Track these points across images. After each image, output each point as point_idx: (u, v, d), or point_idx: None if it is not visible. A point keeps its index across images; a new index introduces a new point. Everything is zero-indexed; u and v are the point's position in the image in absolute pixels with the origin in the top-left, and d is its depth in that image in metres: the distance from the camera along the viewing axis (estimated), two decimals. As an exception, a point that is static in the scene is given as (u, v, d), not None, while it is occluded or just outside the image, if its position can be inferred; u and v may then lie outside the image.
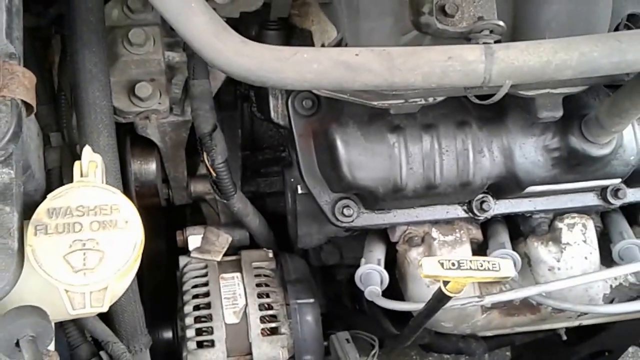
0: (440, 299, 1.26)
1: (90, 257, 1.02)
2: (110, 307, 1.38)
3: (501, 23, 1.17)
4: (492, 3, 1.20)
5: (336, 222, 1.53)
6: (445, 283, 1.17)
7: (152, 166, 1.74)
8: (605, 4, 1.28)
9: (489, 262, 1.13)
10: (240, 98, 1.90)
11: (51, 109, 1.54)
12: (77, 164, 1.10)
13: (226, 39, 1.04)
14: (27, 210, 1.05)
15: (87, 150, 1.12)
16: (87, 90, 1.35)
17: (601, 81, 1.35)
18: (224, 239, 1.76)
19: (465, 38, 1.18)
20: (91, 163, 1.11)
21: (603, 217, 1.67)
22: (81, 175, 1.09)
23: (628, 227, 1.64)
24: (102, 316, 1.42)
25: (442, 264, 1.12)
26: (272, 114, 1.63)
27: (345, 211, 1.52)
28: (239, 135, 1.90)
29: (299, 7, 1.57)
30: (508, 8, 1.25)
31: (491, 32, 1.16)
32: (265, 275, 1.71)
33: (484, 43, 1.12)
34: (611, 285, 1.67)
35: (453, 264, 1.12)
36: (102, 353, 1.44)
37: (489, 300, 1.49)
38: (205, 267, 1.71)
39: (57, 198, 1.05)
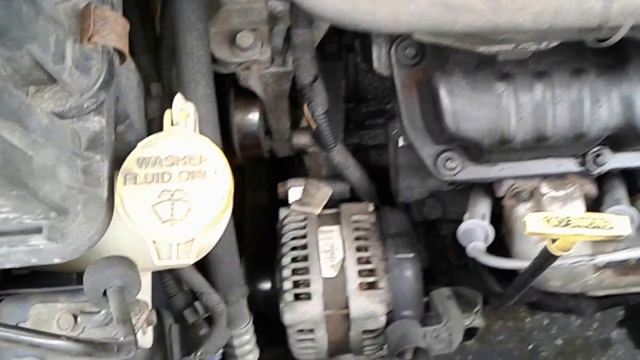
0: (547, 258, 1.17)
1: (178, 208, 0.98)
2: (207, 257, 1.39)
3: None
4: None
5: (439, 176, 1.45)
6: (553, 241, 1.09)
7: (255, 117, 1.70)
8: None
9: (601, 219, 1.05)
10: (344, 48, 1.82)
11: (152, 59, 1.49)
12: (167, 112, 1.07)
13: None
14: (126, 159, 1.03)
15: (178, 99, 1.08)
16: (184, 38, 1.31)
17: None
18: (324, 191, 1.70)
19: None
20: (182, 112, 1.07)
21: None
22: (172, 124, 1.06)
23: None
24: (199, 266, 1.40)
25: (548, 221, 1.04)
26: (375, 63, 1.53)
27: (449, 164, 1.44)
28: (343, 86, 1.83)
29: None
30: None
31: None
32: (364, 229, 1.63)
33: (604, -23, 0.98)
34: None
35: (560, 221, 1.04)
36: (196, 303, 1.42)
37: (601, 259, 1.39)
38: (305, 219, 1.66)
39: (147, 147, 1.02)
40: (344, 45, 1.81)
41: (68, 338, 0.78)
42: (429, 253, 1.92)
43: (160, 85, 1.44)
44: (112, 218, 0.99)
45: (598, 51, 1.31)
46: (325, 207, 1.69)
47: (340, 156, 1.61)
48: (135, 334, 0.91)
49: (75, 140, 0.96)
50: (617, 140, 1.39)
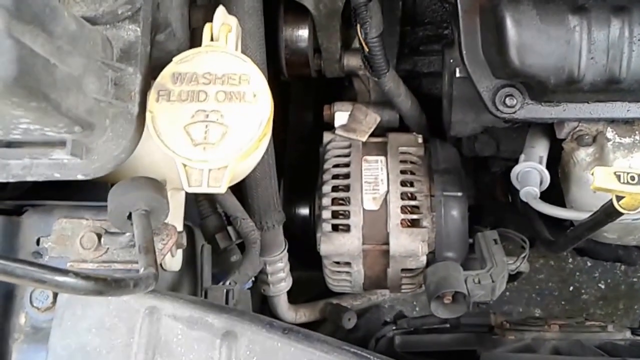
0: (609, 214, 1.10)
1: (213, 130, 0.91)
2: (244, 180, 1.34)
3: None
4: None
5: (496, 112, 1.37)
6: (619, 197, 1.02)
7: (305, 34, 1.64)
8: None
9: None
10: None
11: (199, -37, 1.42)
12: (207, 26, 0.99)
13: None
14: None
15: (220, 12, 1.01)
16: None
17: None
18: (371, 118, 1.63)
19: None
20: (223, 26, 0.99)
21: None
22: (212, 40, 0.98)
23: None
24: (235, 189, 1.34)
25: (618, 177, 0.98)
26: None
27: (508, 100, 1.35)
28: (400, 7, 1.75)
29: None
30: None
31: None
32: (411, 162, 1.57)
33: None
34: None
35: (632, 178, 0.97)
36: (229, 228, 1.39)
37: None
38: (349, 146, 1.60)
39: (183, 62, 0.95)
40: (403, -38, 1.72)
41: (77, 274, 0.72)
42: (477, 190, 1.85)
43: (207, -9, 1.37)
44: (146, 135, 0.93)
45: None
46: (372, 134, 1.63)
47: (392, 83, 1.54)
48: (157, 266, 0.86)
49: (107, 49, 0.90)
50: (697, 87, 1.29)
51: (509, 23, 1.24)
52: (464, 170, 1.66)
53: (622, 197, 1.01)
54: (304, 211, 1.71)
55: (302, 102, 1.94)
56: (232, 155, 0.90)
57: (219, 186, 0.91)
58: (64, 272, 0.71)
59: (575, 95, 1.32)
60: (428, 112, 1.70)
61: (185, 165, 0.91)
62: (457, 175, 1.57)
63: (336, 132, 1.64)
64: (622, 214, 1.04)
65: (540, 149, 1.45)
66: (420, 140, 1.62)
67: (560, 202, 1.48)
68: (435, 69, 1.75)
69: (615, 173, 0.96)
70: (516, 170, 1.41)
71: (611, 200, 1.04)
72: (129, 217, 0.92)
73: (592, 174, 0.98)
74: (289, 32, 1.62)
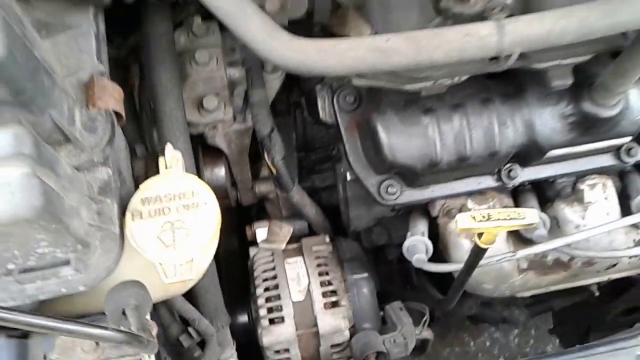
0: (477, 253, 1.27)
1: (178, 234, 1.10)
2: (195, 289, 1.48)
3: (509, 1, 1.21)
4: None
5: (382, 201, 1.55)
6: (480, 235, 1.19)
7: (222, 172, 1.79)
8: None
9: (515, 212, 1.16)
10: (293, 105, 1.95)
11: (135, 125, 1.60)
12: (161, 159, 1.18)
13: (278, 37, 1.11)
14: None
15: (169, 147, 1.20)
16: (163, 103, 1.40)
17: (604, 49, 1.34)
18: (286, 229, 1.81)
19: (481, 17, 1.21)
20: (172, 157, 1.18)
21: (621, 177, 1.67)
22: (166, 168, 1.18)
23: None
24: (188, 297, 1.48)
25: (474, 218, 1.15)
26: (321, 113, 1.63)
27: (390, 190, 1.54)
28: (294, 138, 1.96)
29: (338, 17, 1.54)
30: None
31: (502, 9, 1.20)
32: (323, 257, 1.75)
33: (496, 19, 1.15)
34: (634, 240, 1.67)
35: (484, 217, 1.14)
36: (190, 329, 1.50)
37: (522, 254, 1.50)
38: (272, 254, 1.76)
39: (148, 189, 1.14)
40: (292, 103, 1.94)
41: (114, 329, 0.91)
42: (379, 277, 2.02)
43: (143, 147, 1.56)
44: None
45: (501, 83, 1.43)
46: (288, 242, 1.80)
47: (298, 195, 1.73)
48: (155, 339, 1.03)
49: (89, 187, 1.08)
50: (524, 156, 1.53)
51: (380, 130, 1.45)
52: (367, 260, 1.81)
53: (482, 235, 1.18)
54: (243, 318, 1.81)
55: (227, 230, 2.09)
56: (195, 250, 1.09)
57: (190, 274, 1.10)
58: (104, 327, 0.90)
59: (438, 175, 1.52)
60: (329, 218, 1.87)
61: (161, 264, 1.10)
62: (362, 261, 1.75)
63: (260, 246, 1.80)
64: (484, 249, 1.22)
65: (421, 226, 1.63)
66: (327, 239, 1.80)
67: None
68: (330, 183, 1.92)
69: (471, 216, 1.14)
70: (406, 244, 1.59)
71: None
72: (124, 313, 1.06)
73: (456, 220, 1.15)
74: (209, 171, 1.77)
